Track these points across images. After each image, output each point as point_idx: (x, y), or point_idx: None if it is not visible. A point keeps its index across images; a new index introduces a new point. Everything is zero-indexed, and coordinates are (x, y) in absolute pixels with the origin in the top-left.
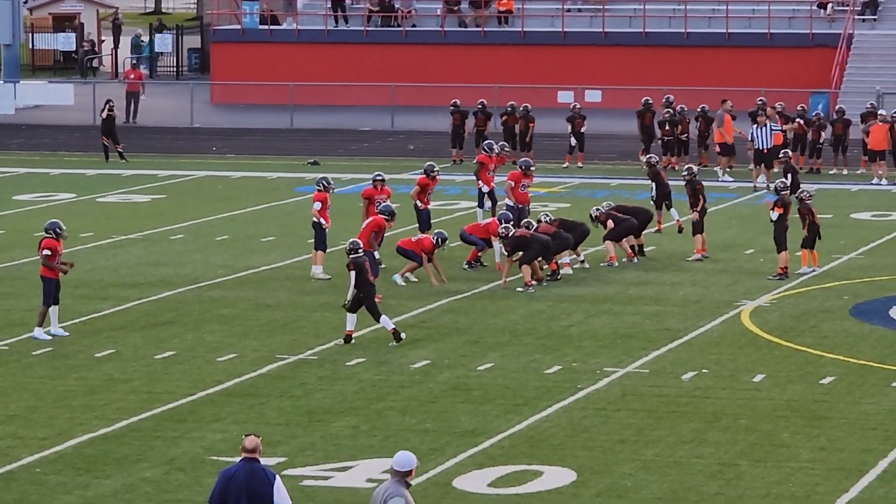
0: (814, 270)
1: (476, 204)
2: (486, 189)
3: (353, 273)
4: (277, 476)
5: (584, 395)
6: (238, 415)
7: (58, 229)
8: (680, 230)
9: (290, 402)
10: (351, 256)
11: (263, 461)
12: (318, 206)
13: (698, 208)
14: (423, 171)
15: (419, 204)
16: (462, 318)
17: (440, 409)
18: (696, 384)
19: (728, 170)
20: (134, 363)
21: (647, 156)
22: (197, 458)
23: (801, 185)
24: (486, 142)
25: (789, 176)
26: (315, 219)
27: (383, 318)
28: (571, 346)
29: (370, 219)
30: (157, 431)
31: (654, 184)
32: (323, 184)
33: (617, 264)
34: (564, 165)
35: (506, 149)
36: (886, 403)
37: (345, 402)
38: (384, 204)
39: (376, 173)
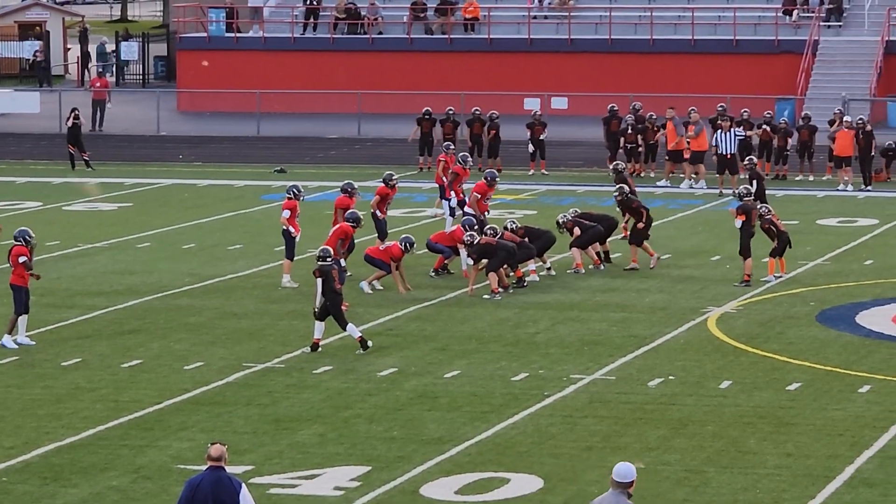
0: (780, 277)
1: (444, 212)
2: (454, 202)
3: (319, 280)
4: (244, 484)
5: (550, 403)
6: (205, 423)
7: (27, 237)
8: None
9: (257, 410)
10: (318, 263)
11: (231, 469)
12: (286, 213)
13: (643, 220)
14: (382, 180)
15: (378, 213)
16: (429, 326)
17: (407, 417)
18: (663, 391)
19: (694, 176)
20: (100, 372)
21: (614, 163)
22: (164, 467)
23: (766, 193)
24: (462, 154)
25: (755, 182)
26: (284, 227)
27: (350, 325)
28: (538, 353)
29: (336, 226)
30: (124, 440)
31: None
32: (293, 191)
33: (583, 271)
34: (530, 172)
35: (449, 148)
36: (853, 409)
37: (312, 410)
38: (350, 211)
39: (347, 182)
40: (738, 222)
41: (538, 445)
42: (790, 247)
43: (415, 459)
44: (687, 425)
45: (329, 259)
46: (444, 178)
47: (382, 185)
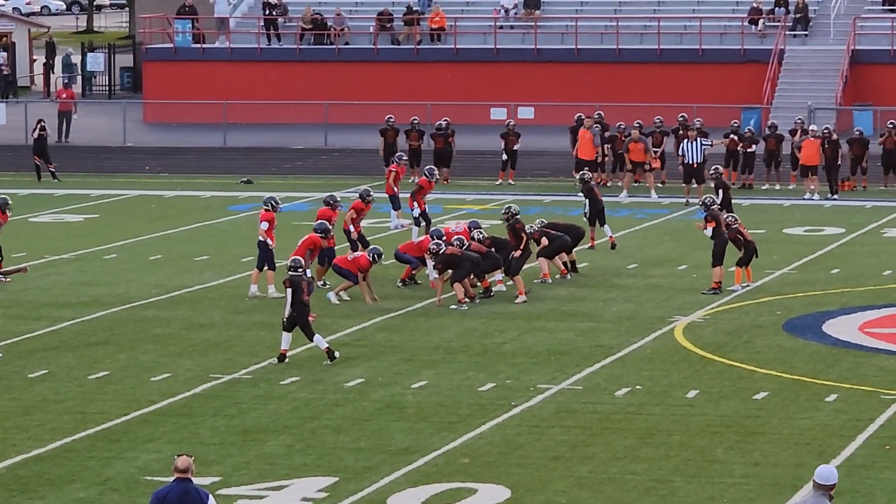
0: (747, 286)
1: (409, 223)
2: (416, 212)
3: (289, 291)
4: (211, 496)
5: (517, 413)
6: (172, 434)
7: None
8: (613, 246)
9: (224, 421)
10: (289, 273)
11: (198, 481)
12: (265, 225)
13: (521, 247)
14: (358, 195)
15: (352, 229)
16: (396, 336)
17: (374, 428)
18: (630, 400)
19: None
20: (67, 383)
21: (581, 172)
22: (131, 479)
23: (732, 202)
24: (428, 167)
25: (720, 192)
26: (261, 238)
27: (316, 336)
28: (505, 363)
29: (305, 237)
30: (91, 452)
31: (587, 200)
32: (271, 203)
33: (550, 281)
34: (498, 182)
35: (401, 159)
36: (820, 418)
37: (279, 420)
38: (319, 222)
39: (329, 195)
40: (709, 230)
41: (505, 455)
42: (756, 256)
43: (382, 470)
44: (654, 435)
45: (300, 269)
46: (395, 188)
47: (359, 200)
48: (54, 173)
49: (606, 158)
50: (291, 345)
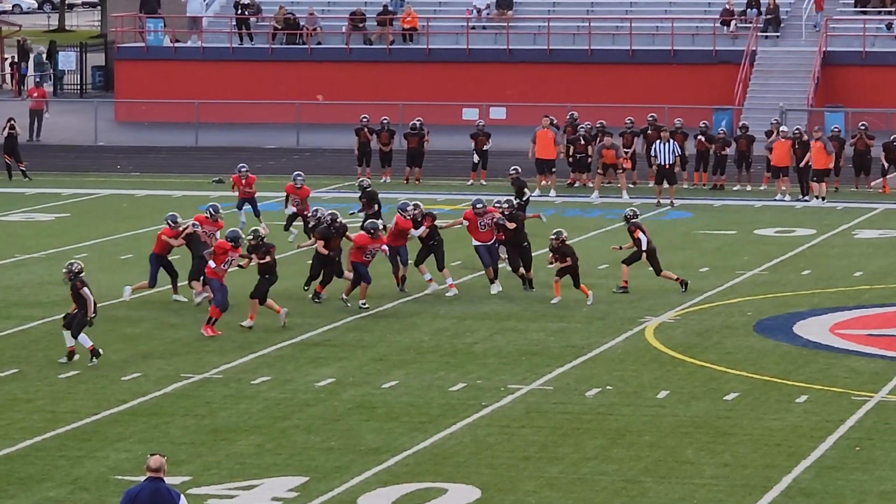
0: (625, 288)
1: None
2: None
3: (85, 290)
4: (182, 495)
5: (488, 413)
6: (143, 434)
7: None
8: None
9: (194, 420)
10: (78, 277)
11: (169, 480)
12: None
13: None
14: (362, 229)
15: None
16: (367, 336)
17: (345, 427)
18: (600, 401)
19: (546, 185)
20: (38, 382)
21: (512, 168)
22: (101, 478)
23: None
24: (401, 203)
25: (522, 192)
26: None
27: (82, 335)
28: (476, 363)
29: (216, 243)
30: (62, 451)
31: (515, 196)
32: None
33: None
34: (469, 183)
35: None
36: (790, 419)
37: (249, 420)
38: (232, 230)
39: (211, 204)
40: (644, 238)
41: (475, 456)
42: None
43: (352, 470)
44: (624, 435)
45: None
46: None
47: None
48: (24, 172)
49: (570, 159)
50: (263, 344)
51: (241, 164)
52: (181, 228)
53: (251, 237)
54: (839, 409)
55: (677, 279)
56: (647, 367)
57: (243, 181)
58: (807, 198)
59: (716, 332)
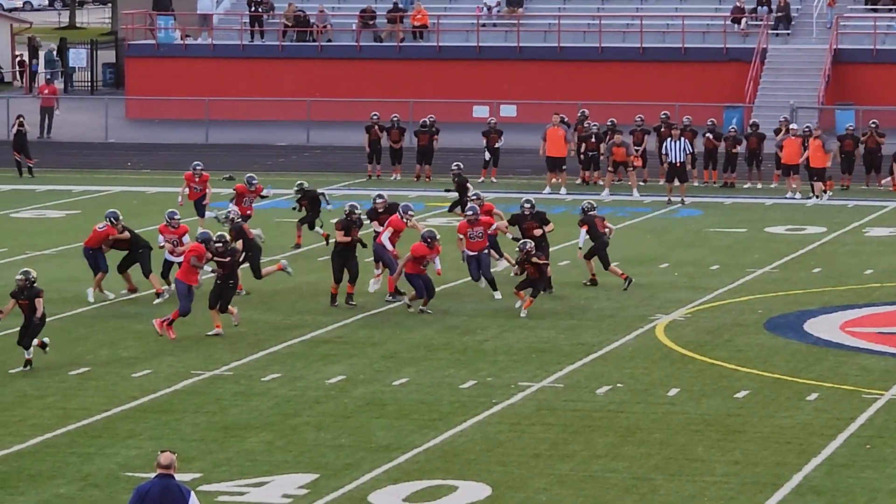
0: (592, 281)
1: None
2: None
3: (41, 300)
4: (192, 492)
5: (498, 410)
6: (153, 431)
7: None
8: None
9: (205, 417)
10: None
11: (179, 477)
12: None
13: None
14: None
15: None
16: (377, 334)
17: (355, 425)
18: (611, 398)
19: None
20: (48, 379)
21: (454, 164)
22: (112, 475)
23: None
24: (403, 204)
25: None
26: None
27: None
28: (486, 360)
29: (191, 243)
30: (72, 448)
31: (458, 193)
32: (111, 219)
33: None
34: (479, 180)
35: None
36: (801, 417)
37: (260, 417)
38: (202, 231)
39: (195, 162)
40: (583, 235)
41: (486, 453)
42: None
43: (363, 467)
44: (635, 433)
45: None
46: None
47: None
48: (31, 169)
49: (581, 156)
50: (273, 340)
51: (195, 162)
52: (120, 229)
53: (223, 218)
54: (850, 406)
55: (622, 275)
56: (658, 364)
57: (197, 179)
58: (815, 196)
59: (726, 329)
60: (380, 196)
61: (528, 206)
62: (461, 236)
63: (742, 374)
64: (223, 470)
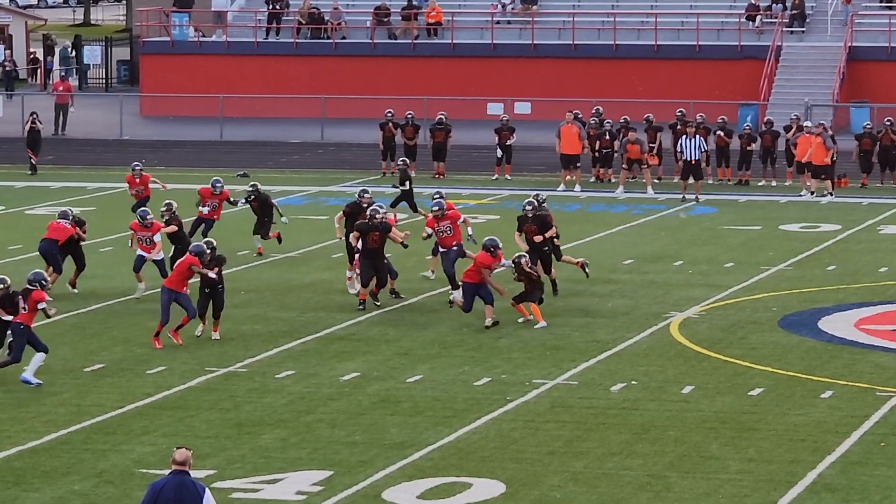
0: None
1: None
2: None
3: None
4: (207, 489)
5: (513, 407)
6: (167, 427)
7: (42, 281)
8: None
9: (219, 414)
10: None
11: (193, 474)
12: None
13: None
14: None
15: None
16: (391, 331)
17: (369, 422)
18: (625, 396)
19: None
20: (63, 376)
21: (401, 158)
22: (126, 471)
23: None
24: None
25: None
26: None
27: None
28: (500, 357)
29: (182, 258)
30: (87, 444)
31: (400, 187)
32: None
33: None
34: (494, 177)
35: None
36: (815, 415)
37: (274, 414)
38: (195, 244)
39: (135, 163)
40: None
41: (500, 450)
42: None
43: (377, 464)
44: (649, 430)
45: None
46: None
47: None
48: (34, 165)
49: (596, 154)
50: (289, 337)
51: (135, 163)
52: (83, 229)
53: (163, 209)
54: (864, 404)
55: (578, 263)
56: (672, 362)
57: (137, 180)
58: (830, 193)
59: (741, 327)
60: (364, 191)
61: (530, 207)
62: (429, 230)
63: (756, 371)
64: (237, 467)
